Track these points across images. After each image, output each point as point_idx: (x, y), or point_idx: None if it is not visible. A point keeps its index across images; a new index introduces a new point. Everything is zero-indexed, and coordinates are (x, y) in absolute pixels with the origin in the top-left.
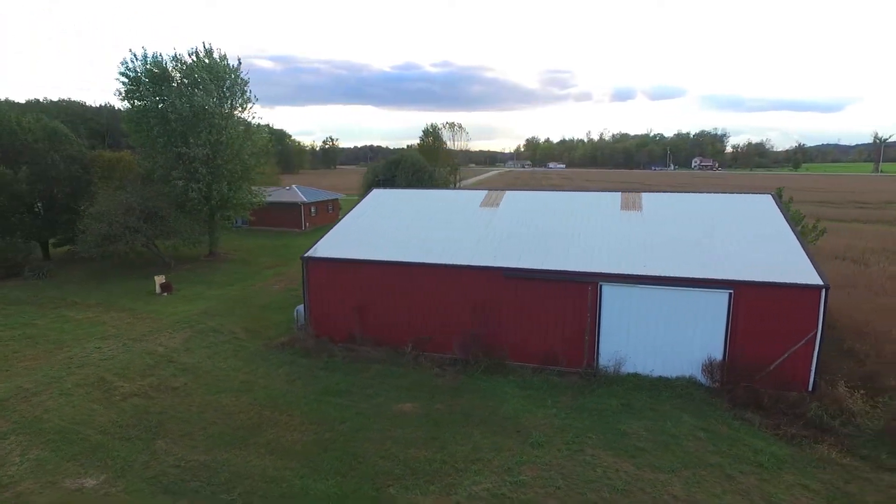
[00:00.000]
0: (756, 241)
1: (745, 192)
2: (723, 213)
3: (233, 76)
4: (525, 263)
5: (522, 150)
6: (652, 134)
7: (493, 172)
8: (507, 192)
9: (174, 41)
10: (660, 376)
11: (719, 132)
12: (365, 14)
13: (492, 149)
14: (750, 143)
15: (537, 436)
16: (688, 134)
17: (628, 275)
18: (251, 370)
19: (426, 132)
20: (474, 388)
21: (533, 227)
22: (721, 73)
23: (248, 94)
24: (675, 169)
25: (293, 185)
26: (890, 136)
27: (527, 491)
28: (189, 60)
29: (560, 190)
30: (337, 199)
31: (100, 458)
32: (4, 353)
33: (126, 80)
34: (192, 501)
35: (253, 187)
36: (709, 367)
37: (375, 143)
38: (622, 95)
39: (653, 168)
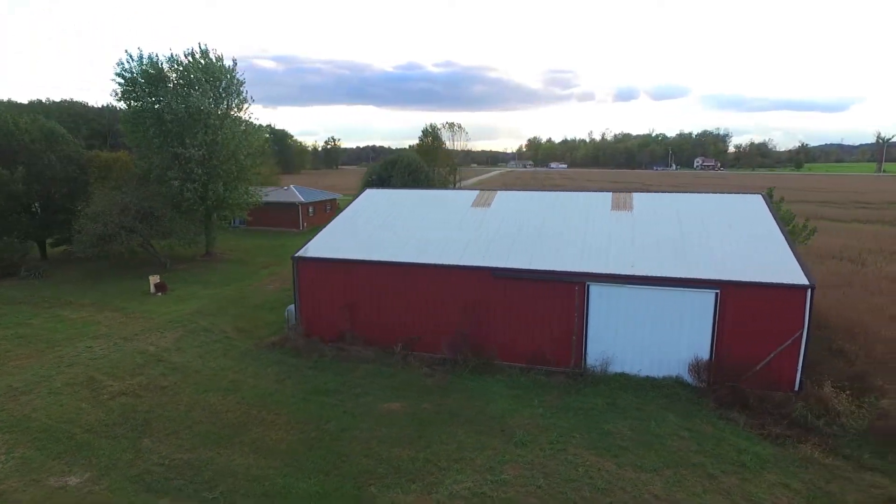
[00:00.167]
0: (744, 241)
1: (739, 193)
2: (712, 213)
3: (229, 76)
4: (514, 263)
5: (524, 150)
6: (654, 134)
7: (494, 172)
8: (499, 192)
9: (174, 41)
10: (647, 376)
11: (722, 132)
12: (367, 14)
13: (494, 149)
14: (752, 143)
15: (521, 435)
16: (690, 134)
17: (615, 275)
18: (240, 369)
19: (425, 132)
20: (462, 387)
21: (523, 227)
22: (725, 73)
23: (243, 94)
24: (677, 169)
25: (291, 186)
26: (893, 137)
27: (508, 490)
28: (185, 61)
29: (560, 190)
30: (335, 199)
31: (85, 457)
32: None
33: (122, 81)
34: (175, 499)
35: (250, 187)
36: (695, 367)
37: (378, 144)
38: (625, 95)
39: (655, 168)
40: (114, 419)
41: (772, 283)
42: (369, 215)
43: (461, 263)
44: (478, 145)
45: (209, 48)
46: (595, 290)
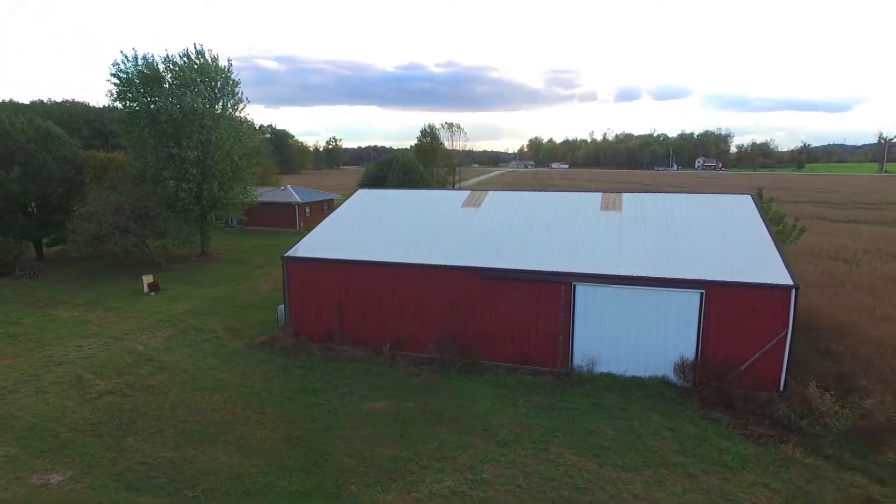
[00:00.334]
0: (731, 242)
1: (729, 193)
2: (701, 213)
3: (224, 76)
4: (500, 263)
5: (526, 150)
6: (656, 134)
7: (495, 173)
8: (490, 193)
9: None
10: (633, 376)
11: (724, 132)
12: (369, 14)
13: (496, 149)
14: (754, 144)
15: (504, 434)
16: (692, 134)
17: (601, 275)
18: (228, 369)
19: (423, 132)
20: (448, 387)
21: (512, 228)
22: (727, 73)
23: (238, 94)
24: (678, 169)
25: (288, 186)
26: (895, 137)
27: (487, 489)
28: (180, 62)
29: (559, 190)
30: (332, 200)
31: (68, 455)
32: None
33: (118, 82)
34: (156, 497)
35: (245, 188)
36: (681, 367)
37: (379, 144)
38: (627, 95)
39: (656, 168)
40: (99, 418)
41: (756, 284)
42: (359, 215)
43: (448, 263)
44: (480, 145)
45: (205, 48)
46: (581, 290)
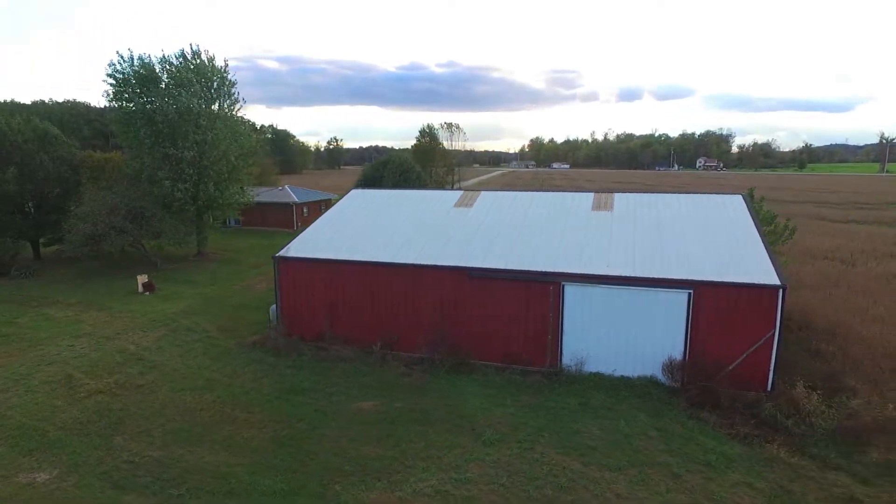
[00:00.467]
0: (720, 242)
1: (721, 193)
2: (691, 213)
3: (220, 77)
4: (490, 263)
5: (527, 150)
6: (657, 134)
7: (496, 173)
8: (482, 193)
9: (175, 42)
10: (621, 376)
11: (725, 132)
12: (370, 15)
13: (498, 149)
14: (756, 144)
15: (490, 434)
16: (693, 134)
17: (590, 275)
18: (218, 368)
19: (422, 132)
20: (437, 386)
21: (503, 228)
22: (729, 73)
23: (235, 94)
24: (679, 169)
25: (286, 186)
26: None
27: (471, 488)
28: (177, 62)
29: (558, 190)
30: (330, 200)
31: (55, 454)
32: None
33: (114, 82)
34: (140, 496)
35: (242, 188)
36: (669, 367)
37: (381, 144)
38: (629, 95)
39: (657, 168)
40: (88, 417)
41: (744, 283)
42: (352, 216)
43: (438, 263)
44: (481, 145)
45: (201, 48)
46: (570, 290)
